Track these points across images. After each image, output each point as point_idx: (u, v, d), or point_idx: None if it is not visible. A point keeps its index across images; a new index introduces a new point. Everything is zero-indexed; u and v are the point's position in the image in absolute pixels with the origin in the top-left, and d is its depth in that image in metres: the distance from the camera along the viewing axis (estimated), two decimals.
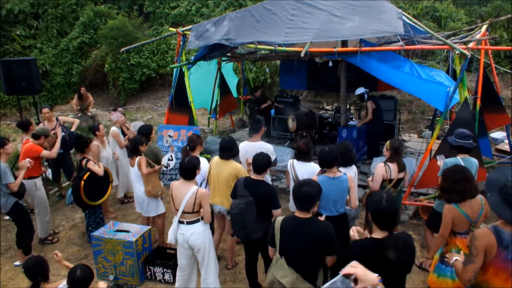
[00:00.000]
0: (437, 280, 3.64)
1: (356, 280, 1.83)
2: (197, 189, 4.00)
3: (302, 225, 2.99)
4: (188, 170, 4.03)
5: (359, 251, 2.72)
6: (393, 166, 4.56)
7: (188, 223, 4.07)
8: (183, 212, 4.04)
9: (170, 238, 4.20)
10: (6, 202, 5.15)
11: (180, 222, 4.10)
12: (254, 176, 4.14)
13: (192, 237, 4.06)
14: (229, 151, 4.64)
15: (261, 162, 4.06)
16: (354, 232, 2.90)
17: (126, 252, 4.81)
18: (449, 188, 3.50)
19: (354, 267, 1.87)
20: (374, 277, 1.87)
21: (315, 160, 4.85)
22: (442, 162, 4.58)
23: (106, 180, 5.83)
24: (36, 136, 5.91)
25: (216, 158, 4.79)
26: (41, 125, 6.71)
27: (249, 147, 5.09)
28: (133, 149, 5.41)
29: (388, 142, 4.80)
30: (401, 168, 4.59)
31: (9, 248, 5.97)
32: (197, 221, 4.09)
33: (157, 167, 5.42)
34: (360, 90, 7.72)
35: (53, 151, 6.14)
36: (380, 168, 4.59)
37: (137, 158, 5.29)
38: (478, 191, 3.54)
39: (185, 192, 4.00)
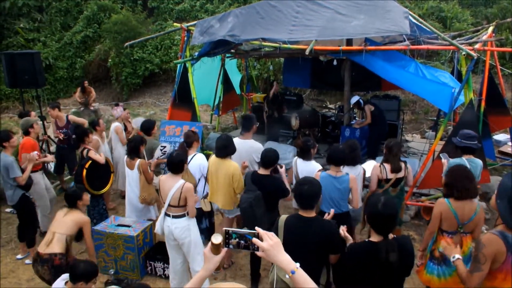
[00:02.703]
0: (425, 276, 3.67)
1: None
2: (183, 183, 4.07)
3: (307, 224, 2.98)
4: (176, 164, 4.10)
5: (356, 254, 2.75)
6: (388, 166, 4.54)
7: (174, 217, 4.16)
8: (169, 206, 4.11)
9: (157, 229, 4.32)
10: (13, 195, 5.18)
11: (166, 214, 4.19)
12: (261, 171, 4.28)
13: (176, 231, 4.15)
14: (225, 149, 4.66)
15: (270, 158, 4.25)
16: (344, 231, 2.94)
17: (127, 246, 4.81)
18: (451, 184, 3.49)
19: (267, 238, 1.70)
20: (285, 259, 1.71)
21: (317, 159, 4.86)
22: (446, 161, 4.55)
23: (108, 170, 5.82)
24: (25, 132, 5.87)
25: (213, 157, 4.78)
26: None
27: (239, 145, 5.03)
28: (133, 150, 5.25)
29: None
30: (395, 168, 4.51)
31: (10, 240, 5.98)
32: (182, 215, 4.16)
33: (152, 163, 5.40)
34: (354, 99, 7.70)
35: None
36: (375, 169, 4.59)
37: (138, 162, 5.18)
38: (477, 193, 3.53)
39: (171, 185, 4.07)
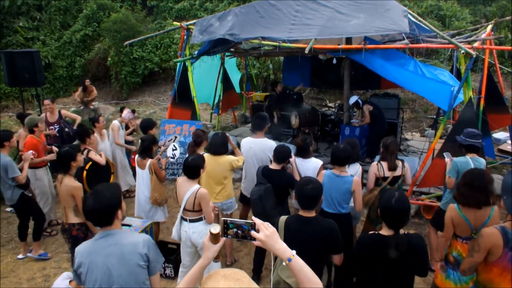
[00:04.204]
0: (445, 281, 3.63)
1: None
2: (197, 188, 3.99)
3: (307, 224, 2.98)
4: (192, 169, 4.01)
5: (364, 244, 2.78)
6: (385, 164, 4.56)
7: (191, 221, 4.08)
8: (185, 210, 4.06)
9: (173, 234, 4.24)
10: (12, 195, 5.17)
11: (183, 219, 4.13)
12: (272, 165, 4.41)
13: (194, 236, 4.07)
14: (220, 147, 4.68)
15: (283, 153, 4.39)
16: None
17: None
18: (460, 190, 3.38)
19: (264, 228, 1.75)
20: (281, 248, 1.75)
21: (316, 157, 4.87)
22: (450, 160, 4.55)
23: (108, 171, 5.78)
24: (30, 131, 5.89)
25: (207, 155, 4.76)
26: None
27: (253, 144, 5.08)
28: (145, 150, 5.16)
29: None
30: (391, 166, 4.53)
31: (10, 240, 5.98)
32: (199, 219, 4.09)
33: (163, 161, 5.37)
34: (353, 99, 7.70)
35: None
36: (373, 167, 4.62)
37: (149, 161, 5.09)
38: (489, 202, 3.31)
39: (186, 190, 4.01)
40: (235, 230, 1.80)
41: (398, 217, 2.66)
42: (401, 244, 2.59)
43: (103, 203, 2.48)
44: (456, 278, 3.51)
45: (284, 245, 1.77)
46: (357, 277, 2.94)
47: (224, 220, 1.81)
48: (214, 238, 1.82)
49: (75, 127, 7.20)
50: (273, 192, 4.17)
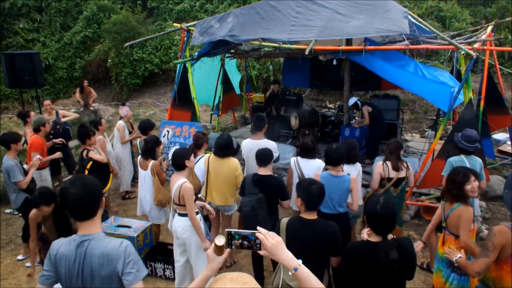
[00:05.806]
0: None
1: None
2: (182, 182, 4.00)
3: (308, 226, 2.96)
4: (176, 161, 4.06)
5: (354, 253, 2.74)
6: (390, 165, 4.56)
7: (180, 214, 4.13)
8: (174, 203, 4.11)
9: (169, 225, 4.32)
10: (17, 198, 5.14)
11: (175, 211, 4.18)
12: (261, 171, 4.28)
13: (178, 229, 4.11)
14: (226, 149, 4.64)
15: (264, 156, 4.27)
16: (364, 234, 2.85)
17: None
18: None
19: (270, 237, 1.76)
20: (287, 257, 1.76)
21: (318, 157, 4.87)
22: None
23: (107, 170, 5.79)
24: (36, 130, 5.89)
25: (212, 156, 4.75)
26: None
27: (252, 145, 5.02)
28: (148, 151, 5.16)
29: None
30: (395, 167, 4.53)
31: (9, 241, 5.97)
32: (185, 214, 4.11)
33: (164, 163, 5.35)
34: (352, 100, 7.68)
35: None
36: (378, 167, 4.61)
37: (151, 163, 5.07)
38: (462, 198, 3.40)
39: (174, 183, 4.05)
40: (240, 241, 1.79)
41: (385, 223, 2.61)
42: (391, 250, 2.55)
43: (85, 191, 2.21)
44: (435, 267, 3.66)
45: (290, 255, 1.77)
46: (349, 284, 2.89)
47: (228, 231, 1.80)
48: (219, 250, 1.81)
49: (63, 120, 7.11)
50: (265, 202, 4.03)
